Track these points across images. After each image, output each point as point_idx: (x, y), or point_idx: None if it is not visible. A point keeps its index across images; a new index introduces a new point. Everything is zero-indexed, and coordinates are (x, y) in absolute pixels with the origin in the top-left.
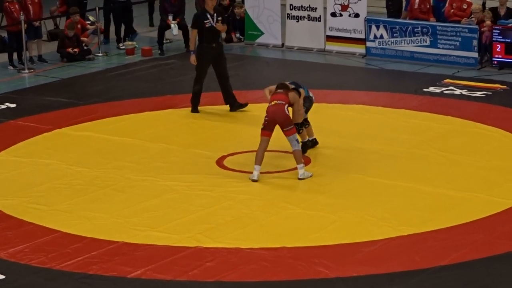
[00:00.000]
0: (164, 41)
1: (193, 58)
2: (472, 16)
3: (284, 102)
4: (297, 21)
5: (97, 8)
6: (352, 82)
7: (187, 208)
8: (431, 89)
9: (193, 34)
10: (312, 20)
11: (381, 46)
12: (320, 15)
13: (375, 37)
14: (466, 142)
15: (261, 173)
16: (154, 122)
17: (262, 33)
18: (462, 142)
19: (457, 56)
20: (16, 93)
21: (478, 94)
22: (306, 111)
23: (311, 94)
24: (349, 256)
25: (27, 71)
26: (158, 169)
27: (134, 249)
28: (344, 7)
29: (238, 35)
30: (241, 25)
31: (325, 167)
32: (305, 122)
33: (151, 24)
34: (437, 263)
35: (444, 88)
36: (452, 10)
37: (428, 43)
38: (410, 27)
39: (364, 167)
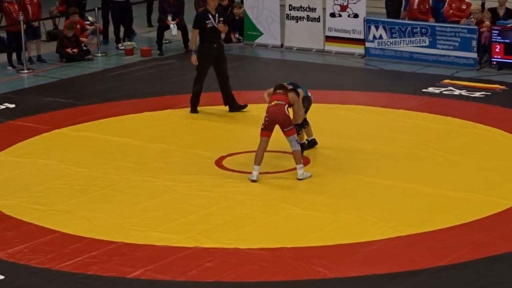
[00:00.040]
0: (163, 42)
1: (194, 58)
2: (471, 16)
3: (284, 103)
4: (296, 22)
5: (96, 9)
6: (351, 83)
7: (186, 209)
8: (430, 89)
9: (195, 34)
10: (311, 21)
11: (380, 47)
12: (319, 16)
13: (374, 37)
14: (465, 142)
15: (260, 173)
16: (153, 122)
17: (261, 34)
18: (461, 143)
19: (456, 57)
20: (15, 94)
21: (477, 94)
22: (305, 111)
23: (309, 94)
24: (348, 256)
25: (26, 71)
26: (157, 169)
27: (134, 249)
28: (343, 8)
29: (237, 35)
30: (240, 25)
31: (325, 168)
32: (304, 122)
33: (150, 25)
34: (436, 263)
35: (443, 89)
36: (451, 11)
37: (427, 43)
38: (409, 28)
39: (363, 167)
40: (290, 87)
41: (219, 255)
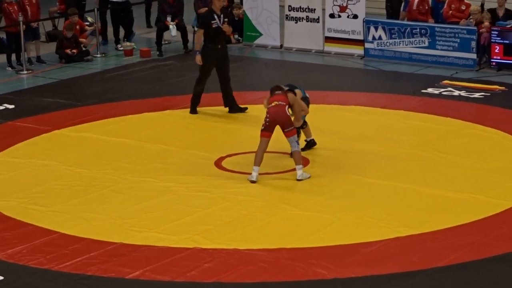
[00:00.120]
0: (163, 42)
1: (198, 58)
2: (471, 17)
3: (284, 103)
4: (296, 22)
5: (95, 9)
6: (351, 83)
7: (185, 209)
8: (430, 90)
9: (200, 34)
10: (311, 21)
11: (379, 47)
12: (318, 16)
13: (374, 38)
14: (464, 143)
15: (259, 174)
16: (152, 123)
17: (261, 34)
18: (460, 144)
19: (456, 57)
20: (14, 94)
21: (476, 95)
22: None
23: (307, 95)
24: (348, 257)
25: (25, 72)
26: (156, 170)
27: (133, 250)
28: (343, 8)
29: (236, 36)
30: (239, 26)
31: (324, 168)
32: (303, 123)
33: (149, 25)
34: (436, 264)
35: (442, 89)
36: (451, 11)
37: (426, 44)
38: (408, 28)
39: (362, 168)
40: (286, 88)
41: (218, 255)
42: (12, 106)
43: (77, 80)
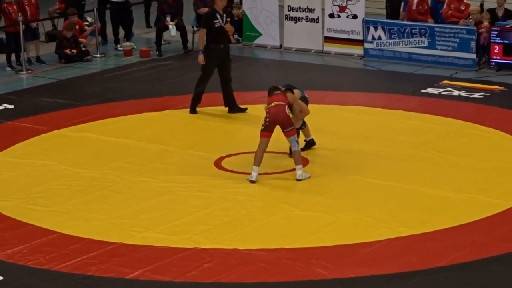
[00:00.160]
0: (162, 42)
1: (201, 58)
2: (470, 17)
3: (284, 103)
4: (295, 22)
5: (95, 9)
6: (350, 83)
7: (184, 210)
8: (429, 90)
9: (202, 33)
10: (310, 21)
11: (379, 47)
12: (318, 16)
13: (373, 38)
14: (464, 143)
15: (259, 174)
16: (152, 123)
17: (260, 34)
18: (460, 144)
19: (455, 57)
20: (14, 94)
21: (476, 95)
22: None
23: (306, 95)
24: (347, 257)
25: (25, 72)
26: (156, 170)
27: (132, 250)
28: (342, 8)
29: (236, 36)
30: (239, 26)
31: (324, 168)
32: (302, 123)
33: (148, 25)
34: (435, 264)
35: (442, 90)
36: (450, 11)
37: (426, 44)
38: (408, 28)
39: (362, 168)
40: (283, 89)
41: (218, 256)
42: (11, 106)
43: (76, 80)
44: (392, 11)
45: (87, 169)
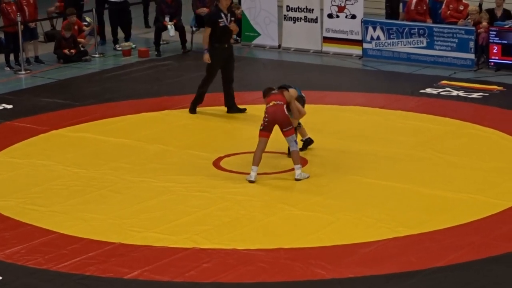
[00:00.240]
0: (161, 42)
1: (207, 57)
2: (469, 17)
3: (282, 102)
4: (294, 23)
5: (94, 9)
6: (349, 84)
7: (184, 210)
8: (428, 90)
9: (207, 33)
10: (309, 22)
11: (377, 48)
12: (316, 17)
13: (372, 38)
14: (463, 143)
15: (258, 174)
16: (151, 123)
17: (259, 34)
18: (459, 144)
19: (454, 58)
20: (12, 94)
21: (475, 95)
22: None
23: (303, 94)
24: (346, 257)
25: (23, 72)
26: (155, 170)
27: (131, 250)
28: (341, 9)
29: (235, 36)
30: (238, 26)
31: (323, 168)
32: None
33: (147, 26)
34: (434, 264)
35: (440, 90)
36: (449, 12)
37: (424, 44)
38: (406, 29)
39: (361, 168)
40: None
41: (217, 256)
42: (10, 106)
43: (75, 80)
44: (392, 12)
45: (86, 169)
